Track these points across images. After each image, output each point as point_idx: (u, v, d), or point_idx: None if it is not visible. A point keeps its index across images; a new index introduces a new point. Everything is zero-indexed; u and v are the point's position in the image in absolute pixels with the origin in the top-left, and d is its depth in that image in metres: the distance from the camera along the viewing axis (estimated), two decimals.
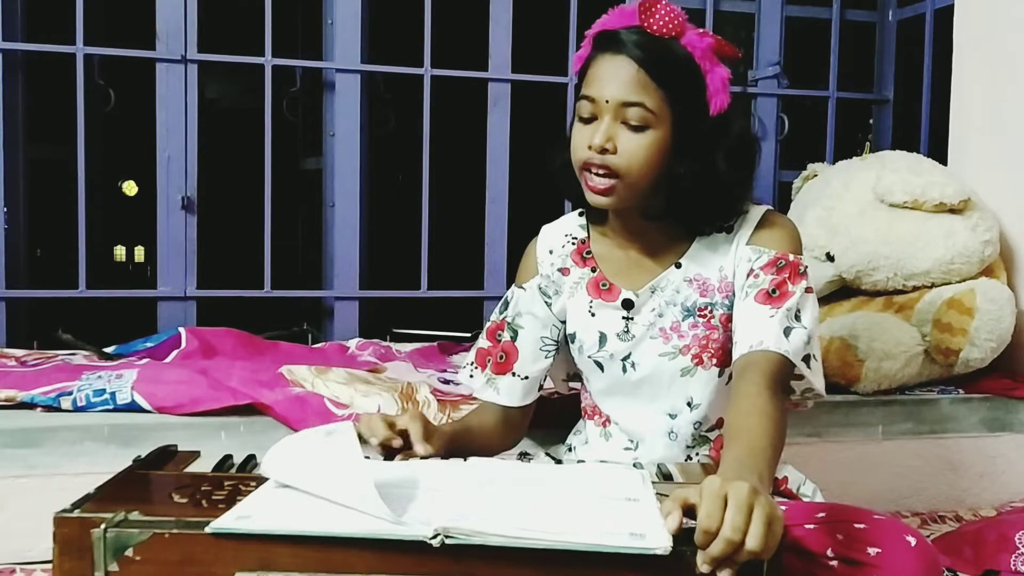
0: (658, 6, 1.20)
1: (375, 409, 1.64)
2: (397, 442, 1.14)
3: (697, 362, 1.29)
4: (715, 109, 1.22)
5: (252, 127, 2.65)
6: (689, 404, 1.31)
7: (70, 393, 1.64)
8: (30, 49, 2.29)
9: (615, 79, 1.19)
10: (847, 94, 2.85)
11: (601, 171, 1.20)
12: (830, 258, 2.14)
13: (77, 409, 1.63)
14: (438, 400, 1.70)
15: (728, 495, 0.80)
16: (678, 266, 1.31)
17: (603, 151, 1.19)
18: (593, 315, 1.34)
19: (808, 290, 1.23)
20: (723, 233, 1.30)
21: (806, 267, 1.25)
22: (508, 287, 1.44)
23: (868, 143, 3.01)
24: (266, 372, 1.78)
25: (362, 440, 1.12)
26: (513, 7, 2.56)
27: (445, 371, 1.99)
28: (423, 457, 1.12)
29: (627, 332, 1.32)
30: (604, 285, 1.33)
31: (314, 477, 0.89)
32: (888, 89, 2.93)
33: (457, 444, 1.25)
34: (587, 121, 1.22)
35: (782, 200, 2.61)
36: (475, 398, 1.47)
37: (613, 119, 1.19)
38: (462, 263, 2.75)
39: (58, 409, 1.64)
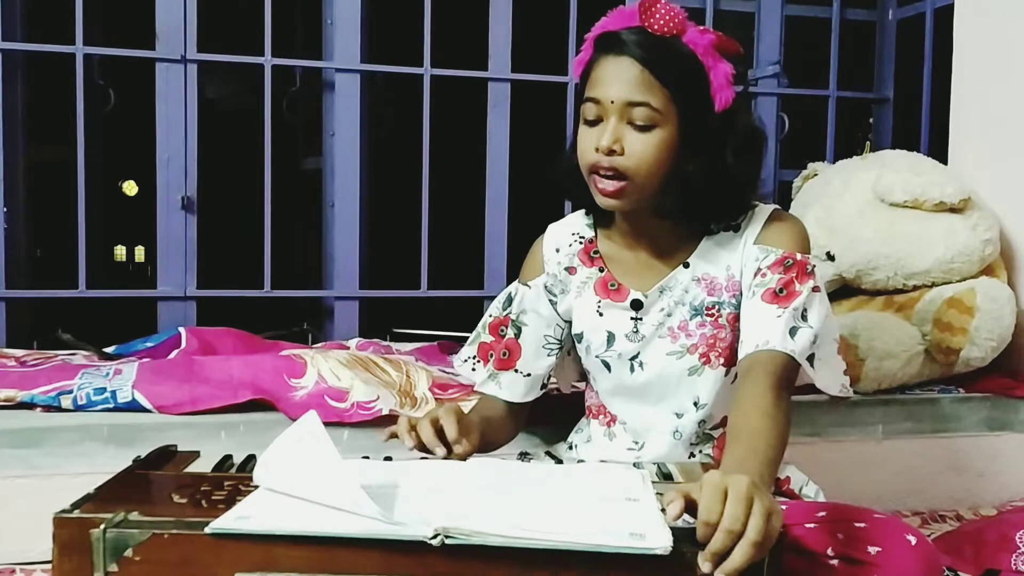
0: (658, 5, 1.20)
1: (374, 398, 1.64)
2: (440, 451, 1.12)
3: (704, 361, 1.30)
4: (720, 105, 1.22)
5: (252, 127, 2.64)
6: (696, 404, 1.31)
7: (70, 392, 1.64)
8: (30, 49, 2.29)
9: (619, 80, 1.19)
10: (847, 93, 2.85)
11: (610, 173, 1.20)
12: (830, 257, 2.14)
13: (77, 408, 1.63)
14: (435, 397, 1.70)
15: (728, 488, 0.81)
16: (686, 266, 1.31)
17: (611, 152, 1.19)
18: (601, 315, 1.34)
19: (815, 289, 1.23)
20: (730, 232, 1.30)
21: (814, 266, 1.25)
22: (508, 286, 1.44)
23: (868, 142, 3.01)
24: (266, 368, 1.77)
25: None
26: (513, 7, 2.55)
27: (446, 371, 1.98)
28: (461, 458, 1.12)
29: (636, 332, 1.32)
30: (613, 285, 1.33)
31: (303, 483, 0.88)
32: (888, 89, 2.92)
33: (484, 438, 1.25)
34: (592, 124, 1.22)
35: (782, 200, 2.60)
36: (474, 392, 1.47)
37: (619, 120, 1.19)
38: (462, 263, 2.74)
39: (58, 408, 1.64)
